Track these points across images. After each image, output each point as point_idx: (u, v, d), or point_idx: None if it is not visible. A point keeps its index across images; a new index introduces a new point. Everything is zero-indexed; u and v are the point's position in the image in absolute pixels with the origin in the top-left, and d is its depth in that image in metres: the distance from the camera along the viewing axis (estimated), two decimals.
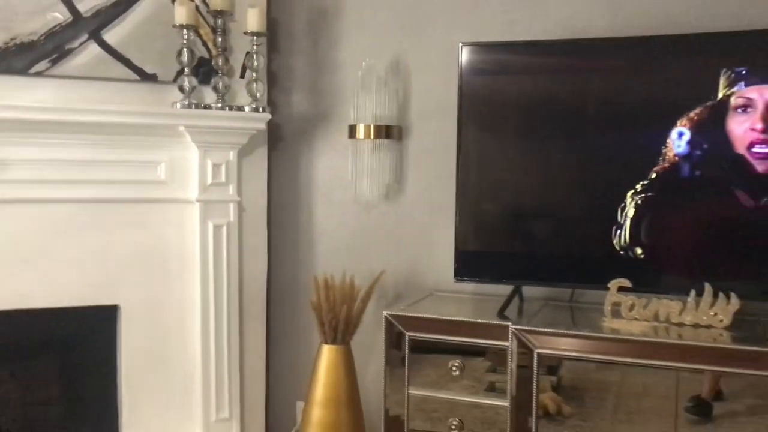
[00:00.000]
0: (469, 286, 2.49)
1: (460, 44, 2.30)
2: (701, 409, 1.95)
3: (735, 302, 2.02)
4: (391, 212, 2.64)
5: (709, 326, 2.04)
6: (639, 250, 2.18)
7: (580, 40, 2.27)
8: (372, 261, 2.59)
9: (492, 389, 2.15)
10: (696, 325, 2.05)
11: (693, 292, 2.06)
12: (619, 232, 2.20)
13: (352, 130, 2.58)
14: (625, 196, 2.18)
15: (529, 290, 2.40)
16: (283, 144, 2.78)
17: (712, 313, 2.04)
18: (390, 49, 2.60)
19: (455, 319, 2.17)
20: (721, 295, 2.04)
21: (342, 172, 2.66)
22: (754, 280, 2.08)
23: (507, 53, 2.32)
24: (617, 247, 2.19)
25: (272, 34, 2.68)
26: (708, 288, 2.05)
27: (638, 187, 2.17)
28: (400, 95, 2.59)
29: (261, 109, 2.51)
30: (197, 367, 2.53)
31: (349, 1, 2.67)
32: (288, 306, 2.78)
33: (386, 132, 2.55)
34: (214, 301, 2.52)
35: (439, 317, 2.19)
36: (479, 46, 2.31)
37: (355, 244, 2.69)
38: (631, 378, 2.03)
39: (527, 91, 2.30)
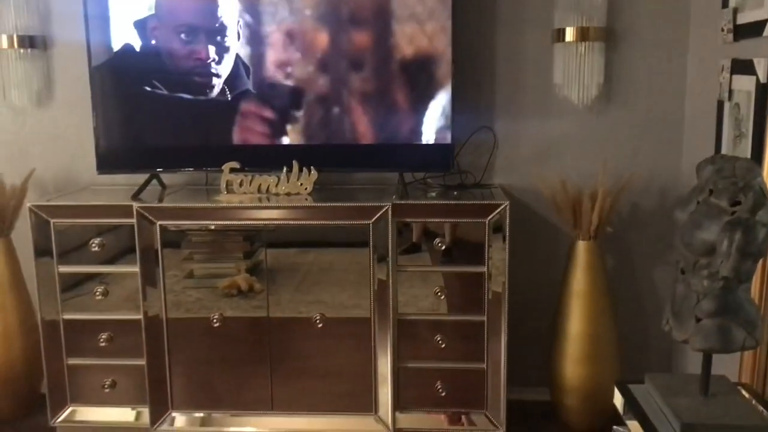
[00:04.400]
0: (122, 179, 2.85)
1: None
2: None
3: (314, 174, 2.63)
4: (44, 117, 2.89)
5: (297, 193, 2.64)
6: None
7: None
8: (29, 162, 2.85)
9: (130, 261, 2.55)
10: (288, 194, 2.64)
11: (285, 169, 2.64)
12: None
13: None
14: None
15: (173, 178, 2.85)
16: None
17: (299, 183, 2.65)
18: None
19: (90, 204, 2.54)
20: (305, 169, 2.64)
21: None
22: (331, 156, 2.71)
23: None
24: (235, 141, 2.69)
25: None
26: (295, 165, 2.63)
27: None
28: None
29: None
30: None
31: None
32: None
33: (30, 42, 2.77)
34: None
35: (75, 203, 2.55)
36: None
37: (11, 150, 2.91)
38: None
39: None
